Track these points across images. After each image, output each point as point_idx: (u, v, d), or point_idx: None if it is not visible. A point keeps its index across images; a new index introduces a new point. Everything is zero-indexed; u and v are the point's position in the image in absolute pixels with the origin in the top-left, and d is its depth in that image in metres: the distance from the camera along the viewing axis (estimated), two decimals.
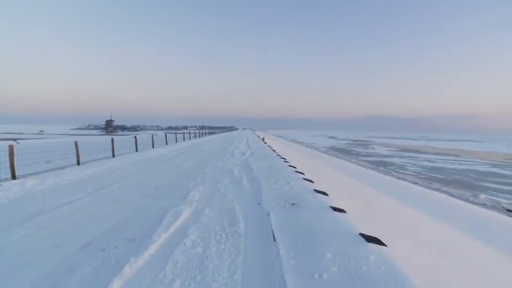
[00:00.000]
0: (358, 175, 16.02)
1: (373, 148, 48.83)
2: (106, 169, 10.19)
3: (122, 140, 18.35)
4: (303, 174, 9.15)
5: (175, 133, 30.25)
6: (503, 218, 9.65)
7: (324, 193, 6.30)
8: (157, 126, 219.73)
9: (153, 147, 18.99)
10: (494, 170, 23.91)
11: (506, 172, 22.62)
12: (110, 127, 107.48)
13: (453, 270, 4.21)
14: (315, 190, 6.49)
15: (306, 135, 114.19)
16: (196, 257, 3.34)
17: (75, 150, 11.03)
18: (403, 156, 35.16)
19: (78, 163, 10.91)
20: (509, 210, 11.46)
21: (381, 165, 25.73)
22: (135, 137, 17.60)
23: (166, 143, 22.64)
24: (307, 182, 7.74)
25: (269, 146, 22.30)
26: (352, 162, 26.77)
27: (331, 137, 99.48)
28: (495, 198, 13.79)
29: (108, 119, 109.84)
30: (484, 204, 12.24)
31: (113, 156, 13.66)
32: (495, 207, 11.95)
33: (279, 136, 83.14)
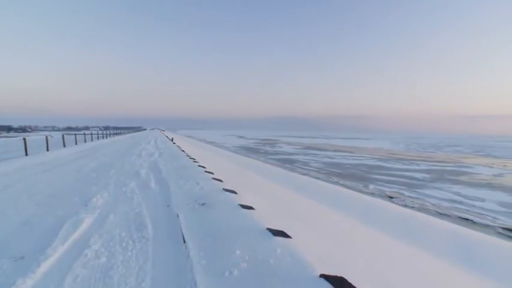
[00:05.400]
0: (266, 173, 17.07)
1: (280, 147, 52.53)
2: None
3: (7, 142, 15.80)
4: (213, 173, 9.32)
5: (75, 134, 28.02)
6: (387, 204, 11.77)
7: (233, 191, 6.56)
8: (53, 127, 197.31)
9: (47, 150, 16.88)
10: (380, 163, 28.83)
11: (388, 165, 27.54)
12: None
13: (347, 253, 4.95)
14: (224, 189, 6.71)
15: (216, 135, 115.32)
16: (99, 268, 3.18)
17: None
18: (306, 153, 38.98)
19: None
20: (391, 197, 14.04)
21: (287, 162, 28.02)
22: (24, 138, 15.35)
23: (64, 145, 20.58)
24: (216, 181, 7.91)
25: (178, 147, 22.32)
26: (261, 160, 28.34)
27: (241, 137, 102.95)
28: (380, 187, 16.68)
29: None
30: (373, 194, 14.70)
31: None
32: (381, 195, 14.49)
33: (189, 136, 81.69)
